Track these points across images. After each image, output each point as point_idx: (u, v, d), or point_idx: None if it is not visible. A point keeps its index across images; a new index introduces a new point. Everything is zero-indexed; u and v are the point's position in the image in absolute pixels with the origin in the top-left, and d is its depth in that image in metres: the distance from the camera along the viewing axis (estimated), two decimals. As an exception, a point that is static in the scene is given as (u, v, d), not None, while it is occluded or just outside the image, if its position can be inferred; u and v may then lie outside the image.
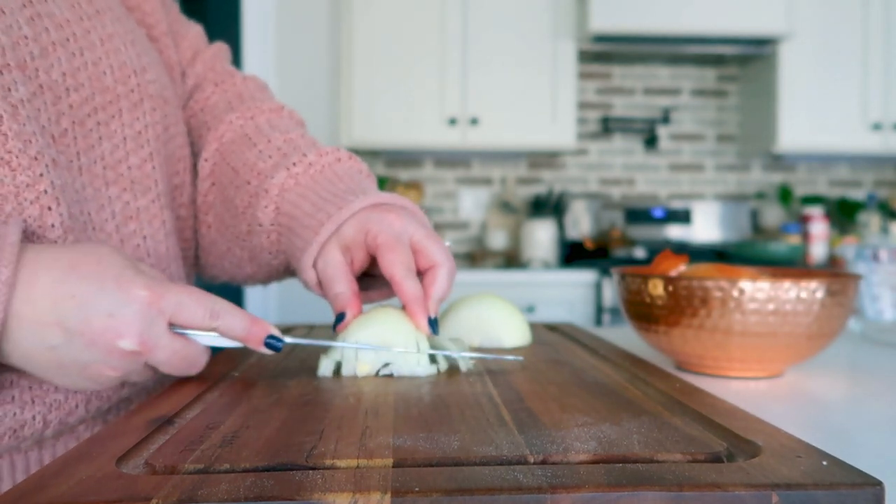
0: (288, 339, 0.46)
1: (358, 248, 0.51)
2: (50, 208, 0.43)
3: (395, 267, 0.48)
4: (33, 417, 0.44)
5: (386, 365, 0.47)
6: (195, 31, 0.68)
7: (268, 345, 0.45)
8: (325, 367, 0.47)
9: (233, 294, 2.41)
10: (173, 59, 0.63)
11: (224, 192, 0.60)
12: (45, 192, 0.42)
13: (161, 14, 0.62)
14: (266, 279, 0.64)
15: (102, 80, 0.49)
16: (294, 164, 0.55)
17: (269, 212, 0.55)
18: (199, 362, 0.44)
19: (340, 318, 0.49)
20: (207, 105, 0.65)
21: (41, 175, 0.42)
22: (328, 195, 0.53)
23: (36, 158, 0.42)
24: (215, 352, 0.64)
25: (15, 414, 0.43)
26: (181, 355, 0.42)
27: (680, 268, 0.64)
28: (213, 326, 0.43)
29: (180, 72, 0.64)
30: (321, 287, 0.52)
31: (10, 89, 0.42)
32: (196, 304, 0.42)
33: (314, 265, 0.52)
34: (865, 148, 2.64)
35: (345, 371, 0.47)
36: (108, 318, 0.38)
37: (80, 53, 0.47)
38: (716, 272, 0.60)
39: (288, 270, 0.61)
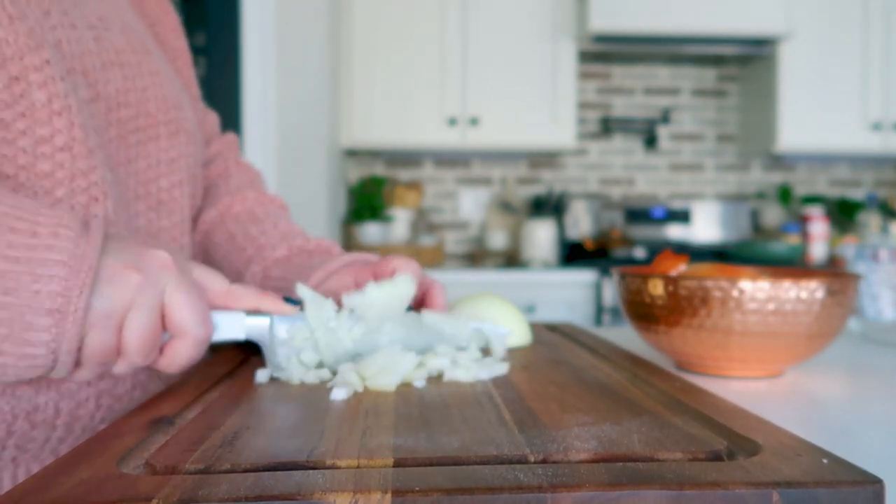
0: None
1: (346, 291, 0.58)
2: (97, 199, 0.46)
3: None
4: (46, 402, 0.45)
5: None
6: (215, 115, 0.77)
7: (287, 300, 0.48)
8: (338, 393, 0.42)
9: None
10: (200, 118, 0.69)
11: (213, 249, 0.67)
12: (96, 183, 0.46)
13: (196, 83, 0.70)
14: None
15: (146, 106, 0.54)
16: (295, 244, 0.64)
17: (257, 272, 0.62)
18: (207, 323, 0.43)
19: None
20: (227, 175, 0.72)
21: (95, 167, 0.46)
22: (316, 262, 0.61)
23: (92, 151, 0.46)
24: (216, 350, 0.64)
25: (30, 397, 0.44)
26: (195, 299, 0.42)
27: (680, 268, 0.64)
28: (229, 290, 0.46)
29: (205, 138, 0.71)
30: None
31: (76, 89, 0.46)
32: (216, 274, 0.47)
33: None
34: (865, 148, 2.64)
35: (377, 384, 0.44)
36: (146, 243, 0.43)
37: (132, 78, 0.53)
38: (716, 272, 0.60)
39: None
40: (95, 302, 0.38)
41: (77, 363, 0.40)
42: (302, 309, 0.48)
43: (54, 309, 0.36)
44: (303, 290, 0.48)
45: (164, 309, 0.41)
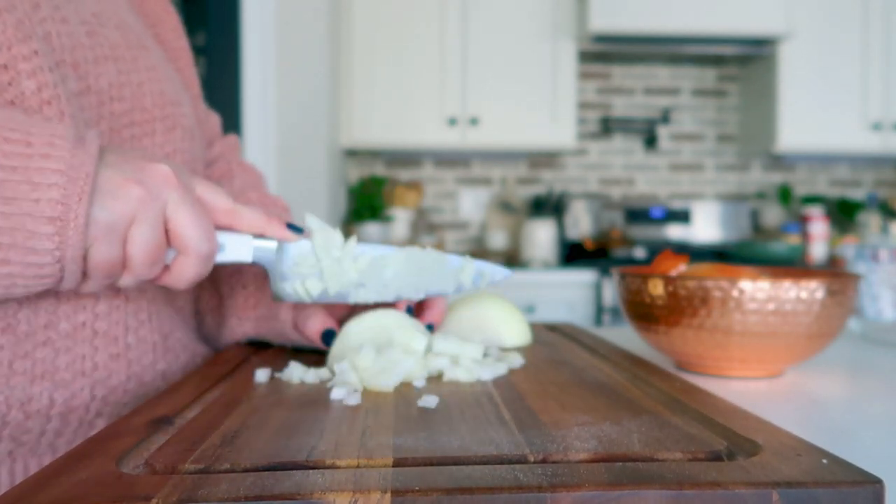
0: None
1: None
2: None
3: None
4: (40, 393, 0.45)
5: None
6: (217, 117, 0.76)
7: (290, 226, 0.48)
8: (338, 393, 0.41)
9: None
10: (201, 118, 0.69)
11: None
12: None
13: (197, 83, 0.70)
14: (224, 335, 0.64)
15: (142, 101, 0.53)
16: None
17: (258, 273, 0.61)
18: (212, 239, 0.44)
19: (331, 333, 0.52)
20: (230, 176, 0.71)
21: None
22: None
23: None
24: (216, 350, 0.64)
25: (24, 387, 0.44)
26: (199, 215, 0.43)
27: (680, 268, 0.63)
28: (234, 208, 0.46)
29: (207, 139, 0.71)
30: (296, 326, 0.55)
31: (64, 80, 0.45)
32: (220, 191, 0.46)
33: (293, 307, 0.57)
34: (865, 148, 2.64)
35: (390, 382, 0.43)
36: (146, 157, 0.43)
37: (127, 73, 0.52)
38: (716, 272, 0.60)
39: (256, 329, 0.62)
40: (97, 213, 0.39)
41: (84, 275, 0.41)
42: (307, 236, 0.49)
43: (55, 217, 0.37)
44: (311, 219, 0.49)
45: (168, 224, 0.42)
